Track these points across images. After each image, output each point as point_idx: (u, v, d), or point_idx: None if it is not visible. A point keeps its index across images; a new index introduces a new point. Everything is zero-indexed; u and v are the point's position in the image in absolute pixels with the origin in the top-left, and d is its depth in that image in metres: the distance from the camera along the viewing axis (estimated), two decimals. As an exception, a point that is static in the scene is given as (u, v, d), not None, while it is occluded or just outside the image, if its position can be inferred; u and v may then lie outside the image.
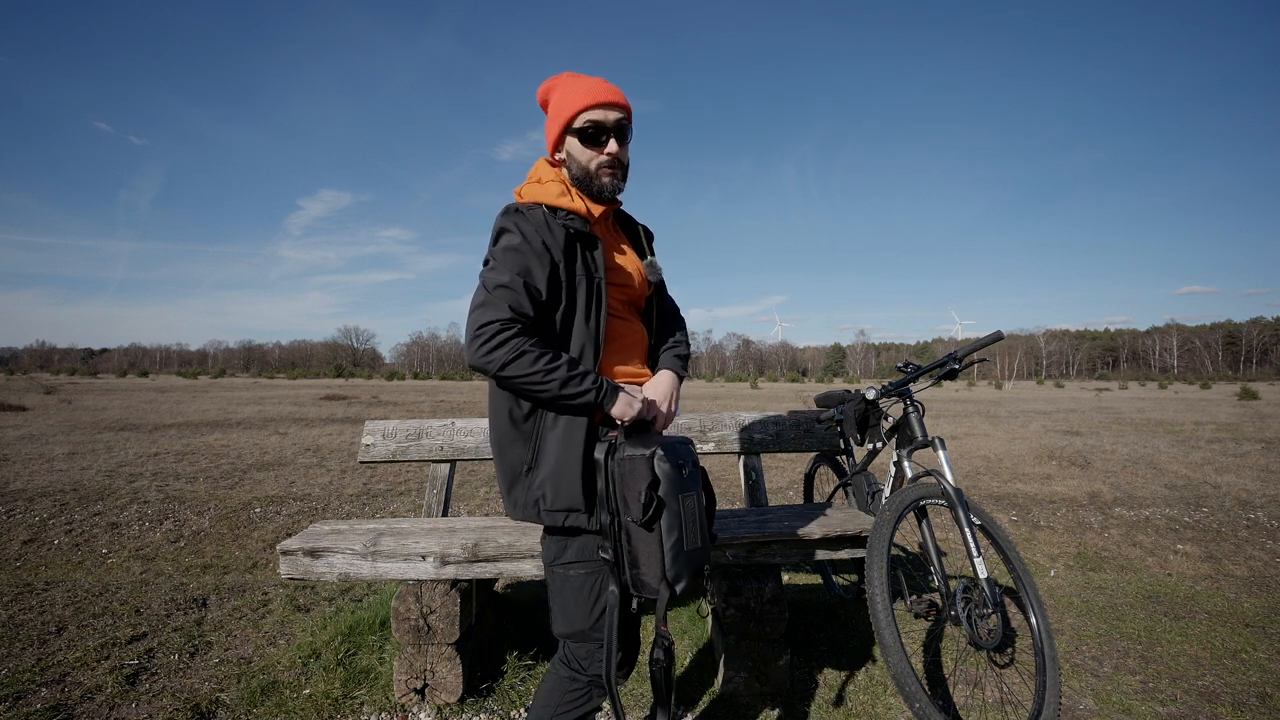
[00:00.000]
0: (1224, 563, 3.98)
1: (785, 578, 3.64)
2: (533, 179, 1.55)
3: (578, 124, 1.48)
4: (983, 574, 2.02)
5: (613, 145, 1.49)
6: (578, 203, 1.48)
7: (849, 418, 2.60)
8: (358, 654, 2.51)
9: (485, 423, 2.87)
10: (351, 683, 2.30)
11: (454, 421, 2.92)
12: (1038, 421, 13.34)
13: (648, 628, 2.70)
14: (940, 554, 2.18)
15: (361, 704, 2.20)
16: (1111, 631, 2.87)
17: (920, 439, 2.31)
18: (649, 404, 1.47)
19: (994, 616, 2.03)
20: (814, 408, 3.02)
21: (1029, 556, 4.07)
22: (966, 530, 2.05)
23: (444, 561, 2.16)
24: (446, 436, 2.88)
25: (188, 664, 2.50)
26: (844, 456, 3.05)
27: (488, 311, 1.32)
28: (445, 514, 2.82)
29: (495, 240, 1.44)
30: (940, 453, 2.24)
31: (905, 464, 2.35)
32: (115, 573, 3.68)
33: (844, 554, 2.32)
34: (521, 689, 2.30)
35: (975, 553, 2.04)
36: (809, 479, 3.45)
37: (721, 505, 4.89)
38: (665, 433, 1.61)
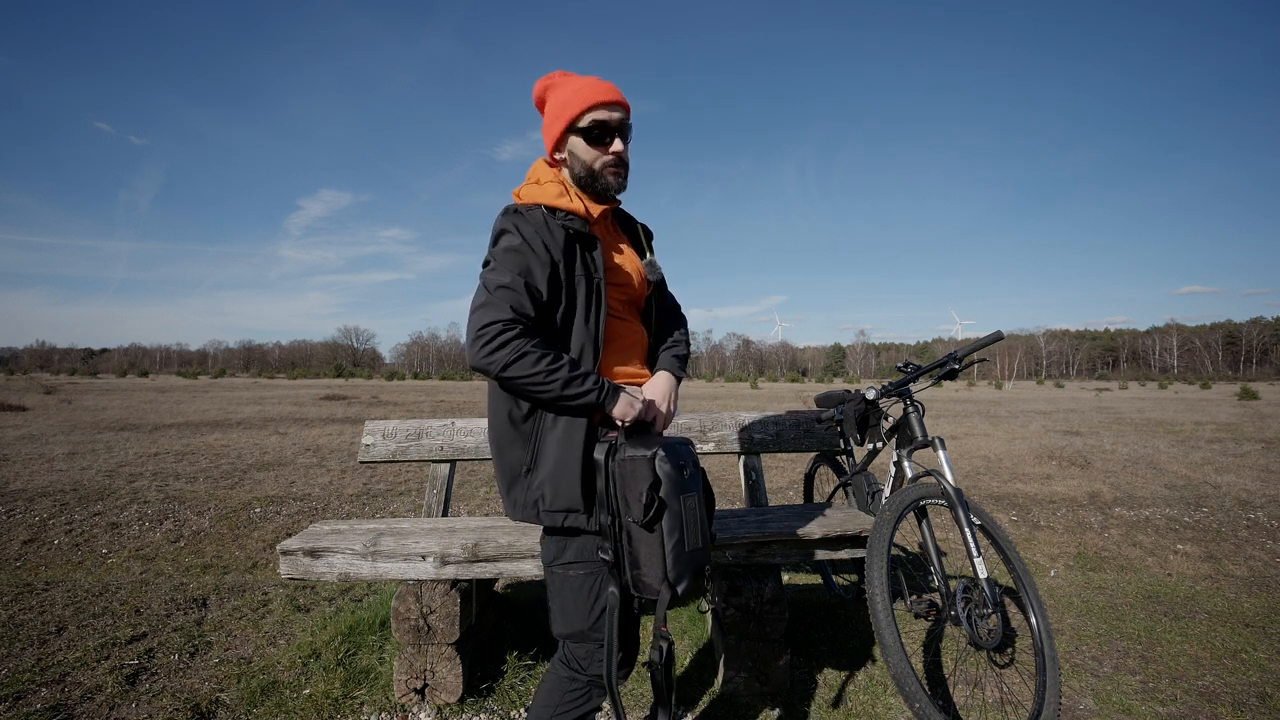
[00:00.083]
0: (1224, 563, 3.98)
1: (785, 578, 3.64)
2: (531, 180, 1.55)
3: (583, 124, 1.48)
4: (983, 574, 2.02)
5: (617, 144, 1.49)
6: (577, 203, 1.48)
7: (849, 418, 2.60)
8: (358, 654, 2.51)
9: (485, 423, 2.87)
10: (351, 683, 2.30)
11: (454, 421, 2.92)
12: (1038, 421, 13.34)
13: (647, 627, 2.70)
14: (940, 554, 2.18)
15: (361, 704, 2.20)
16: (1111, 631, 2.87)
17: (920, 439, 2.31)
18: (649, 404, 1.47)
19: (994, 616, 2.03)
20: (814, 408, 3.02)
21: (1029, 556, 4.07)
22: (966, 530, 2.05)
23: (444, 561, 2.16)
24: (446, 436, 2.88)
25: (188, 664, 2.50)
26: (844, 456, 3.05)
27: (489, 312, 1.32)
28: (445, 514, 2.82)
29: (495, 241, 1.44)
30: (940, 453, 2.24)
31: (905, 464, 2.35)
32: (115, 573, 3.68)
33: (844, 554, 2.32)
34: (521, 689, 2.30)
35: (975, 553, 2.04)
36: (809, 479, 3.45)
37: (721, 505, 4.89)
38: (665, 433, 1.61)
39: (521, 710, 2.20)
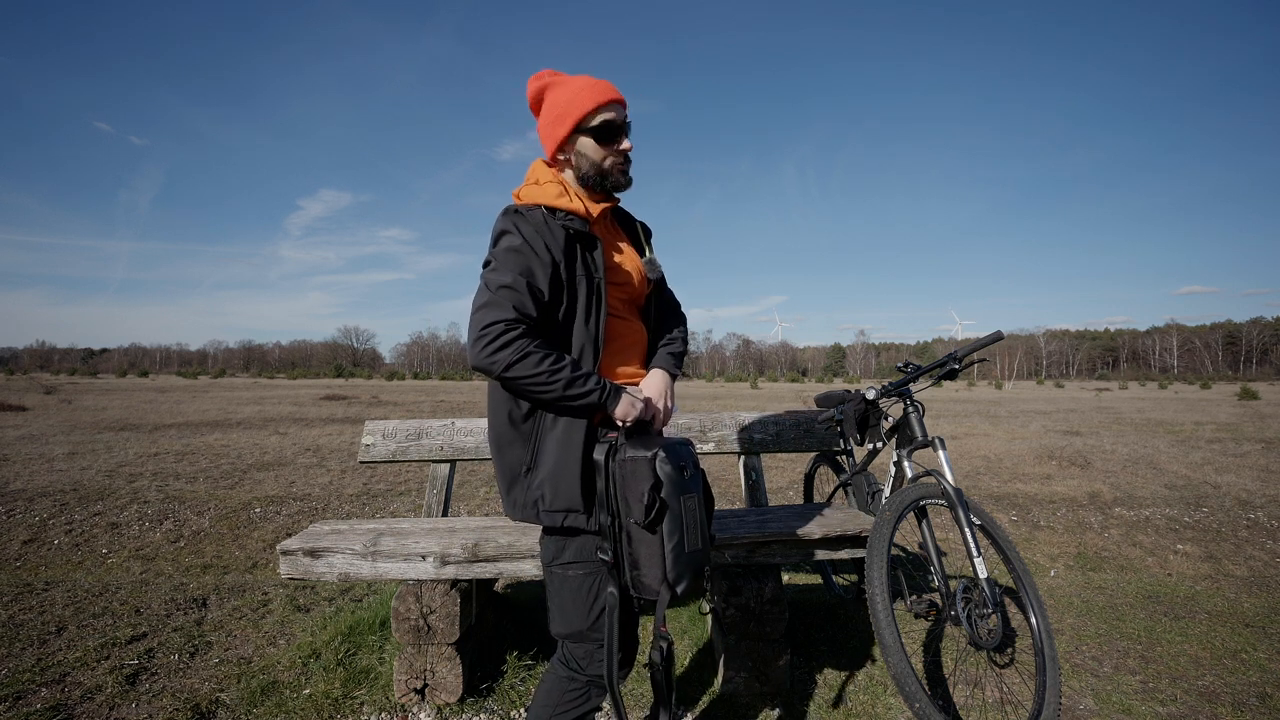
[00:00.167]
0: (1224, 563, 3.98)
1: (785, 578, 3.64)
2: (530, 180, 1.55)
3: (593, 123, 1.48)
4: (983, 574, 2.02)
5: (627, 143, 1.52)
6: (576, 203, 1.48)
7: (849, 418, 2.60)
8: (358, 654, 2.51)
9: (485, 423, 2.87)
10: (351, 683, 2.30)
11: (454, 421, 2.92)
12: (1038, 421, 13.34)
13: (646, 627, 2.70)
14: (940, 554, 2.18)
15: (361, 704, 2.20)
16: (1111, 631, 2.87)
17: (920, 439, 2.31)
18: (649, 404, 1.47)
19: (994, 616, 2.03)
20: (814, 408, 3.02)
21: (1029, 556, 4.07)
22: (966, 530, 2.05)
23: (444, 561, 2.16)
24: (446, 436, 2.88)
25: (188, 664, 2.50)
26: (844, 456, 3.05)
27: (492, 311, 1.32)
28: (445, 514, 2.82)
29: (495, 241, 1.43)
30: (940, 453, 2.24)
31: (905, 464, 2.35)
32: (115, 573, 3.68)
33: (844, 554, 2.32)
34: (521, 689, 2.30)
35: (975, 553, 2.04)
36: (809, 479, 3.45)
37: (721, 505, 4.89)
38: (665, 433, 1.61)
39: (521, 710, 2.20)
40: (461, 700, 2.21)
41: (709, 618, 2.67)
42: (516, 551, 2.18)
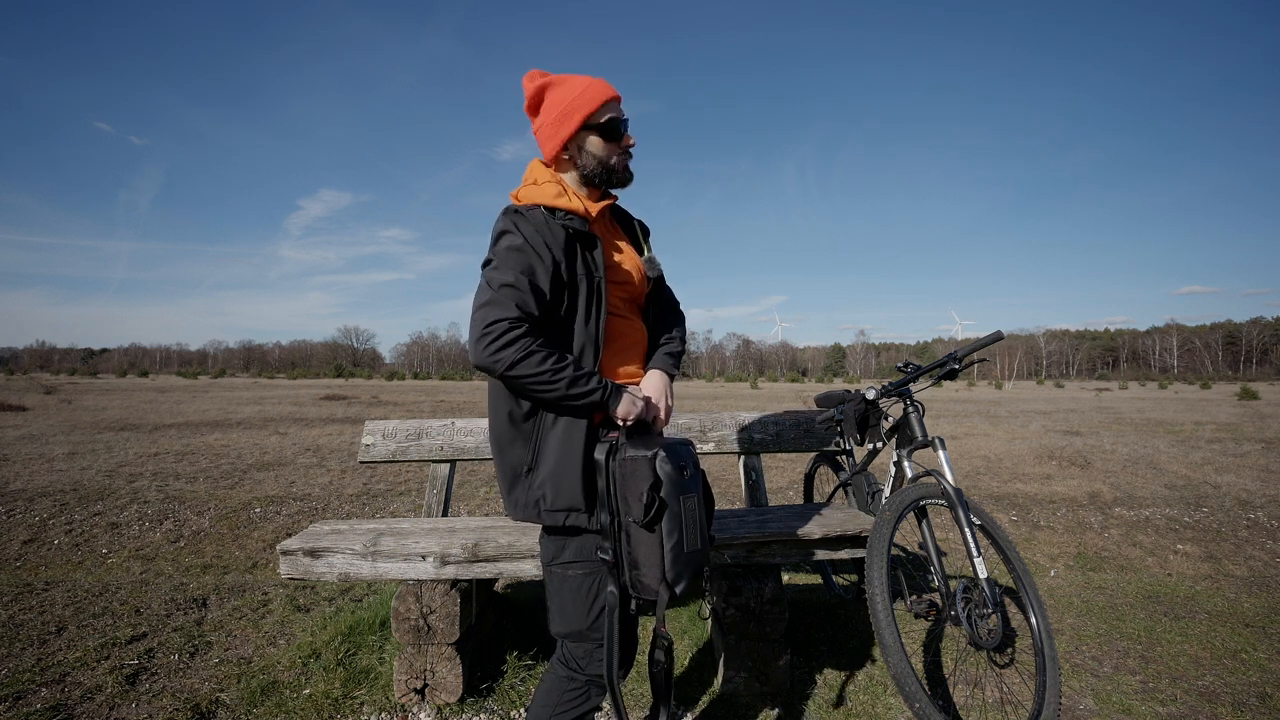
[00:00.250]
0: (1224, 563, 3.98)
1: (785, 578, 3.64)
2: (529, 181, 1.55)
3: (601, 120, 1.49)
4: (983, 574, 2.02)
5: (630, 138, 1.54)
6: (576, 202, 1.48)
7: (849, 418, 2.60)
8: (358, 654, 2.51)
9: (485, 423, 2.87)
10: (351, 683, 2.30)
11: (454, 421, 2.92)
12: (1038, 421, 13.34)
13: (645, 627, 2.70)
14: (940, 554, 2.18)
15: (361, 704, 2.20)
16: (1111, 631, 2.87)
17: (920, 439, 2.31)
18: (649, 403, 1.48)
19: (994, 616, 2.03)
20: (814, 408, 3.02)
21: (1029, 556, 4.07)
22: (966, 530, 2.05)
23: (444, 561, 2.16)
24: (446, 436, 2.88)
25: (188, 664, 2.50)
26: (844, 456, 3.05)
27: (494, 310, 1.32)
28: (445, 514, 2.82)
29: (496, 241, 1.43)
30: (940, 453, 2.24)
31: (905, 464, 2.35)
32: (115, 573, 3.68)
33: (844, 554, 2.32)
34: (521, 689, 2.30)
35: (975, 553, 2.04)
36: (809, 479, 3.45)
37: (721, 505, 4.89)
38: (665, 434, 1.61)
39: (521, 710, 2.20)
40: (461, 700, 2.21)
41: (709, 618, 2.67)
42: (516, 551, 2.18)
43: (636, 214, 1.73)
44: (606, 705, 1.85)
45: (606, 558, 1.37)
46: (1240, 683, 2.41)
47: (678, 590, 1.33)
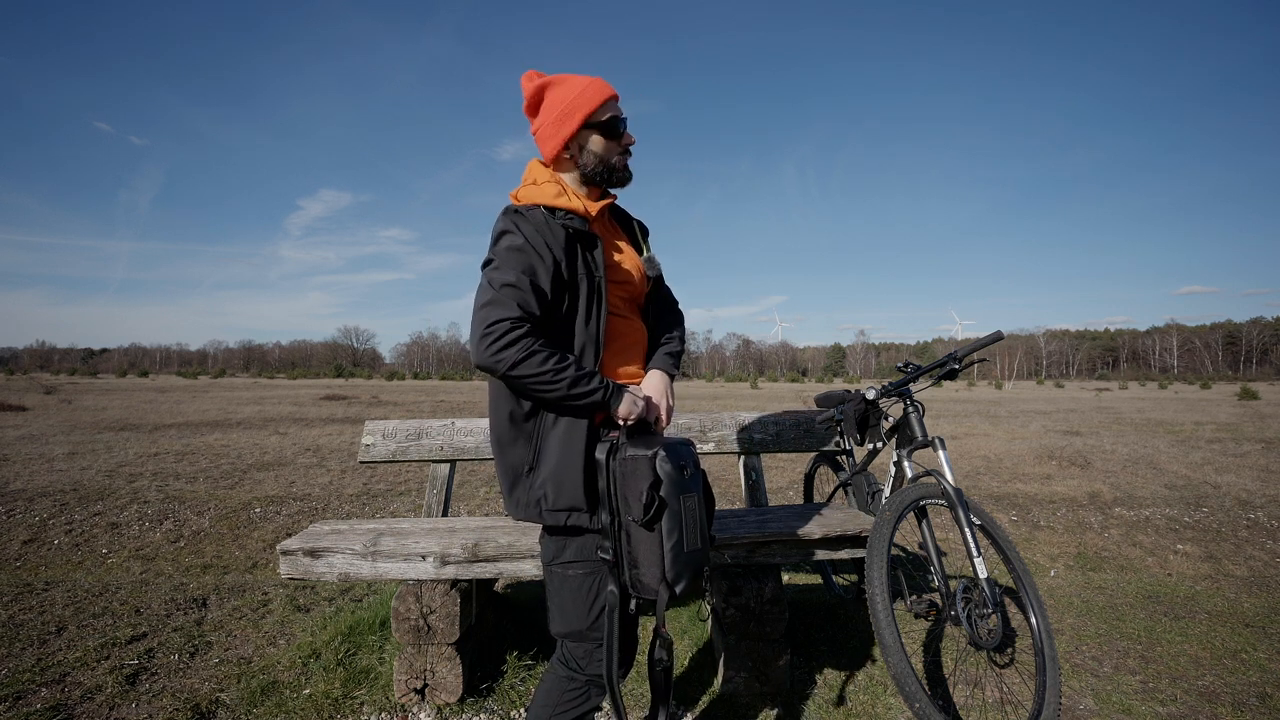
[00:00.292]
0: (1224, 563, 3.98)
1: (785, 578, 3.64)
2: (528, 181, 1.55)
3: (603, 118, 1.50)
4: (983, 574, 2.02)
5: (629, 136, 1.54)
6: (576, 202, 1.48)
7: (849, 418, 2.60)
8: (358, 654, 2.51)
9: (485, 423, 2.88)
10: (351, 683, 2.30)
11: (454, 421, 2.92)
12: (1038, 421, 13.34)
13: (645, 626, 2.70)
14: (940, 554, 2.18)
15: (361, 704, 2.20)
16: (1111, 631, 2.87)
17: (920, 439, 2.31)
18: (650, 403, 1.48)
19: (994, 616, 2.03)
20: (814, 408, 3.02)
21: (1029, 556, 4.07)
22: (966, 530, 2.05)
23: (444, 561, 2.16)
24: (446, 436, 2.88)
25: (188, 664, 2.50)
26: (844, 456, 3.05)
27: (496, 309, 1.31)
28: (445, 514, 2.82)
29: (496, 241, 1.43)
30: (940, 453, 2.24)
31: (905, 464, 2.35)
32: (115, 573, 3.68)
33: (844, 554, 2.32)
34: (521, 689, 2.30)
35: (975, 553, 2.04)
36: (809, 479, 3.45)
37: (721, 505, 4.89)
38: (666, 433, 1.61)
39: (521, 710, 2.20)
40: (461, 700, 2.21)
41: (709, 618, 2.67)
42: (516, 551, 2.18)
43: (636, 214, 1.73)
44: (606, 705, 1.85)
45: (607, 557, 1.37)
46: (1240, 683, 2.41)
47: (678, 590, 1.33)
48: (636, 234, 1.69)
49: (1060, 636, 2.82)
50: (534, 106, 1.54)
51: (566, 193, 1.50)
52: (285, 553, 2.16)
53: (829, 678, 2.43)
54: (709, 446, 2.96)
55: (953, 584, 2.13)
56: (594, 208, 1.51)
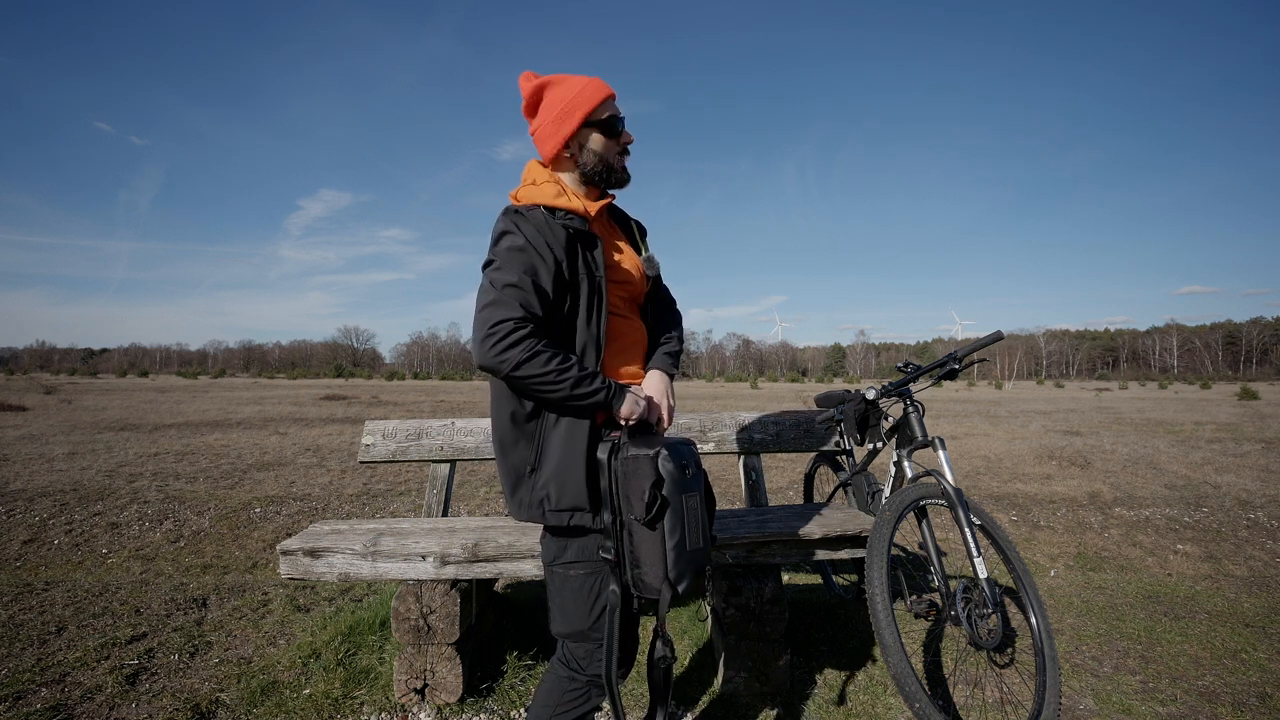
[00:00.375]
0: (1224, 563, 3.98)
1: (785, 578, 3.64)
2: (527, 181, 1.55)
3: (603, 117, 1.50)
4: (983, 574, 2.02)
5: (628, 135, 1.55)
6: (576, 202, 1.48)
7: (849, 418, 2.60)
8: (358, 654, 2.51)
9: (485, 423, 2.88)
10: (351, 683, 2.30)
11: (454, 421, 2.92)
12: (1038, 421, 13.34)
13: (646, 627, 2.70)
14: (940, 554, 2.18)
15: (361, 704, 2.20)
16: (1111, 631, 2.87)
17: (920, 439, 2.31)
18: (652, 403, 1.48)
19: (994, 616, 2.03)
20: (814, 408, 3.02)
21: (1029, 556, 4.07)
22: (966, 530, 2.05)
23: (444, 561, 2.16)
24: (446, 436, 2.88)
25: (188, 664, 2.50)
26: (844, 456, 3.05)
27: (499, 310, 1.31)
28: (445, 514, 2.82)
29: (496, 241, 1.43)
30: (940, 453, 2.24)
31: (905, 464, 2.35)
32: (115, 573, 3.68)
33: (844, 554, 2.32)
34: (521, 689, 2.30)
35: (975, 553, 2.04)
36: (809, 479, 3.45)
37: (721, 505, 4.89)
38: (667, 433, 1.61)
39: (521, 710, 2.20)
40: (461, 700, 2.21)
41: (709, 618, 2.67)
42: (516, 551, 2.18)
43: (634, 214, 1.74)
44: (606, 706, 1.85)
45: (609, 557, 1.37)
46: (1240, 683, 2.41)
47: (680, 589, 1.33)
48: (634, 234, 1.69)
49: (1060, 636, 2.82)
50: (533, 106, 1.54)
51: (566, 193, 1.50)
52: (285, 553, 2.16)
53: (829, 678, 2.43)
54: (709, 446, 2.96)
55: (953, 584, 2.13)
56: (593, 208, 1.51)
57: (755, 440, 2.98)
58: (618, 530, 1.37)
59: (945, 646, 2.66)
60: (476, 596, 2.38)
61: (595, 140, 1.51)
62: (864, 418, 2.59)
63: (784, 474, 6.41)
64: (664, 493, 1.31)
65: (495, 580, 3.01)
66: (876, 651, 2.60)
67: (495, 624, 2.69)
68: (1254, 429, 11.42)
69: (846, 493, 2.99)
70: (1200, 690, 2.36)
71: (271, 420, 11.87)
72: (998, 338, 2.38)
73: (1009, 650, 2.60)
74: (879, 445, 2.59)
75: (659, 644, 1.43)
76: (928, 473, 2.25)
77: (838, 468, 3.18)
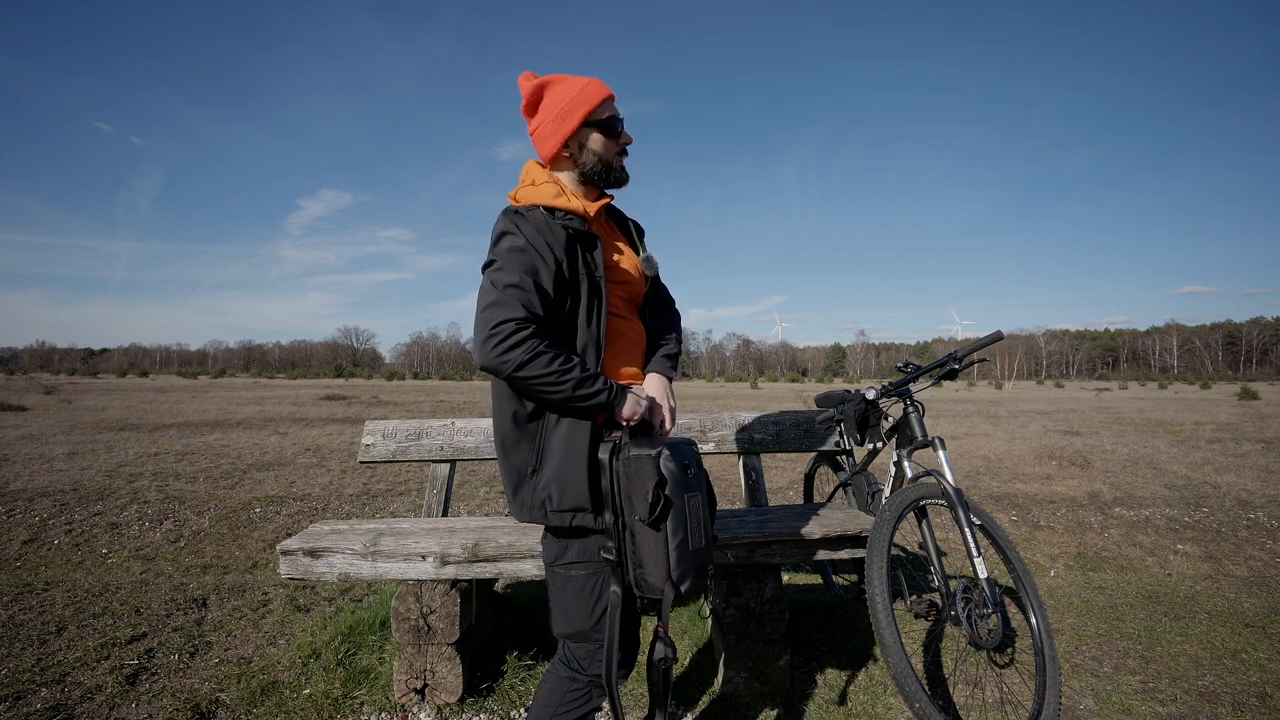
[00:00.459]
0: (1224, 563, 3.98)
1: (785, 578, 3.64)
2: (526, 182, 1.55)
3: (603, 117, 1.50)
4: (983, 574, 2.02)
5: (627, 135, 1.55)
6: (575, 202, 1.47)
7: (849, 418, 2.60)
8: (358, 654, 2.51)
9: (485, 423, 2.88)
10: (351, 683, 2.30)
11: (454, 421, 2.92)
12: (1038, 421, 13.34)
13: (647, 627, 2.70)
14: (940, 554, 2.18)
15: (361, 704, 2.20)
16: (1111, 631, 2.87)
17: (920, 439, 2.31)
18: (653, 404, 1.48)
19: (994, 616, 2.03)
20: (814, 408, 3.02)
21: (1029, 556, 4.07)
22: (966, 530, 2.05)
23: (444, 561, 2.16)
24: (446, 436, 2.88)
25: (188, 664, 2.50)
26: (844, 456, 3.05)
27: (501, 310, 1.31)
28: (445, 514, 2.82)
29: (497, 242, 1.42)
30: (940, 453, 2.24)
31: (905, 464, 2.35)
32: (115, 573, 3.68)
33: (844, 554, 2.32)
34: (521, 689, 2.30)
35: (975, 553, 2.04)
36: (809, 479, 3.45)
37: (721, 505, 4.89)
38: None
39: (521, 710, 2.20)
40: (461, 700, 2.21)
41: (709, 618, 2.67)
42: (516, 551, 2.18)
43: (633, 214, 1.74)
44: (607, 706, 1.85)
45: (610, 557, 1.37)
46: (1240, 683, 2.41)
47: (682, 589, 1.33)
48: (633, 234, 1.69)
49: (1060, 636, 2.82)
50: (532, 106, 1.54)
51: (565, 193, 1.50)
52: (285, 553, 2.16)
53: (829, 678, 2.43)
54: (709, 446, 2.96)
55: (953, 584, 2.13)
56: (592, 208, 1.51)
57: (755, 440, 2.98)
58: (619, 531, 1.37)
59: (945, 646, 2.66)
60: (476, 596, 2.38)
61: (595, 140, 1.51)
62: (864, 418, 2.59)
63: (784, 474, 6.41)
64: (667, 492, 1.31)
65: (495, 580, 3.01)
66: (877, 651, 2.60)
67: (495, 624, 2.69)
68: (1254, 429, 11.42)
69: (846, 493, 2.99)
70: (1200, 690, 2.36)
71: (271, 420, 11.87)
72: (998, 338, 2.38)
73: (1009, 650, 2.60)
74: (879, 445, 2.59)
75: (660, 644, 1.43)
76: (928, 473, 2.25)
77: (838, 468, 3.18)
